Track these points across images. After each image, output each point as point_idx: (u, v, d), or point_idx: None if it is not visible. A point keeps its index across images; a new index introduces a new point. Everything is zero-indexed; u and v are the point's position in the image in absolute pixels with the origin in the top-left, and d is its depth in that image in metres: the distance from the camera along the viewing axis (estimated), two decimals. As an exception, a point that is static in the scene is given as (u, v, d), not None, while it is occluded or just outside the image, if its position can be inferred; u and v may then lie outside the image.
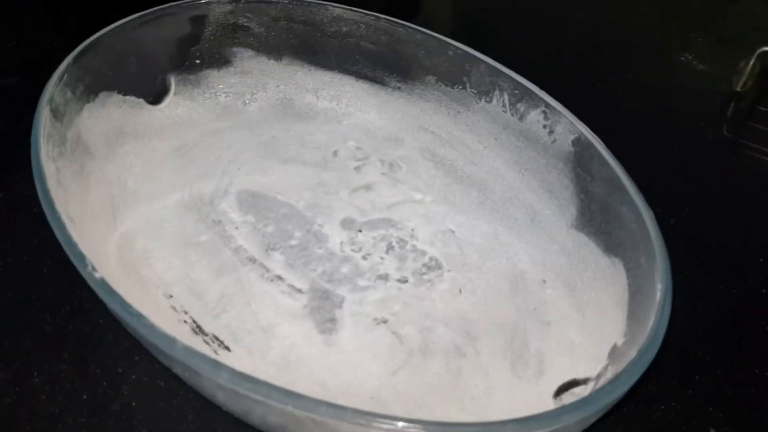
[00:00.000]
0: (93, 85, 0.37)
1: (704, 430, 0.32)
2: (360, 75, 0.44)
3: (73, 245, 0.28)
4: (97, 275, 0.27)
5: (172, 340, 0.25)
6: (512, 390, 0.31)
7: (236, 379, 0.25)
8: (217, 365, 0.25)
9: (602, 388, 0.26)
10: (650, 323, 0.28)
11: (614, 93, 0.54)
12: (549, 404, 0.31)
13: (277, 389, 0.24)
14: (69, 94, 0.35)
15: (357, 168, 0.41)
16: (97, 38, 0.37)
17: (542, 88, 0.38)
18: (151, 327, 0.26)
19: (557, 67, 0.56)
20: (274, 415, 0.26)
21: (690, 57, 0.58)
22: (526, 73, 0.39)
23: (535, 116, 0.38)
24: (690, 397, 0.33)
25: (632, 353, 0.28)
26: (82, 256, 0.27)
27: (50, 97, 0.34)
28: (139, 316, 0.26)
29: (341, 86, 0.44)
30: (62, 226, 0.28)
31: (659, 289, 0.29)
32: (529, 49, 0.58)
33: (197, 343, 0.31)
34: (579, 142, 0.36)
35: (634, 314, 0.30)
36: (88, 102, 0.37)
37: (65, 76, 0.35)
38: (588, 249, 0.35)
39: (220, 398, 0.28)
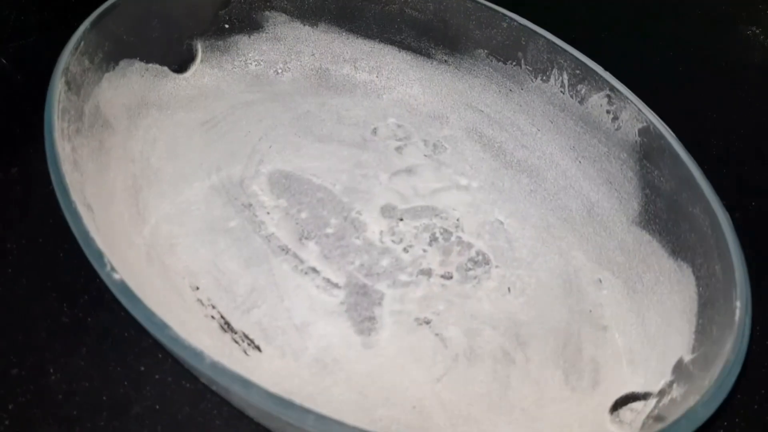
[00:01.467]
0: (113, 53, 0.34)
1: (771, 451, 0.30)
2: (403, 45, 0.41)
3: (90, 242, 0.25)
4: (117, 277, 0.24)
5: (199, 355, 0.23)
6: (565, 402, 0.29)
7: (268, 401, 0.22)
8: (248, 385, 0.22)
9: (675, 425, 0.23)
10: (727, 346, 0.25)
11: (674, 68, 0.50)
12: (605, 419, 0.28)
13: (314, 415, 0.22)
14: (86, 63, 0.32)
15: (398, 149, 0.38)
16: (118, 0, 0.34)
17: (602, 61, 0.35)
18: (177, 339, 0.23)
19: (616, 39, 0.52)
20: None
21: (757, 31, 0.54)
22: (587, 49, 0.36)
23: (597, 100, 0.35)
24: (757, 413, 0.31)
25: (703, 375, 0.25)
26: (100, 255, 0.25)
27: (65, 67, 0.31)
28: (164, 326, 0.23)
29: (382, 57, 0.41)
30: (78, 219, 0.26)
31: (738, 307, 0.26)
32: (590, 21, 0.54)
33: (226, 342, 0.29)
34: (647, 132, 0.32)
35: (704, 329, 0.28)
36: (107, 71, 0.34)
37: (82, 43, 0.32)
38: (650, 249, 0.32)
39: (251, 413, 0.26)
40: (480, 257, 0.34)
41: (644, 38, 0.53)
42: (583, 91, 0.35)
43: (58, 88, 0.30)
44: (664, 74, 0.49)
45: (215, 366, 0.23)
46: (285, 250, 0.33)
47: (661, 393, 0.27)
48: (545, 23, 0.37)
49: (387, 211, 0.35)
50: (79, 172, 0.29)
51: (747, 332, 0.25)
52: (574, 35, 0.37)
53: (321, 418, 0.22)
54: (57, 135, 0.29)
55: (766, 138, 0.45)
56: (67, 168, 0.28)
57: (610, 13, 0.56)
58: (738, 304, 0.26)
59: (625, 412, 0.28)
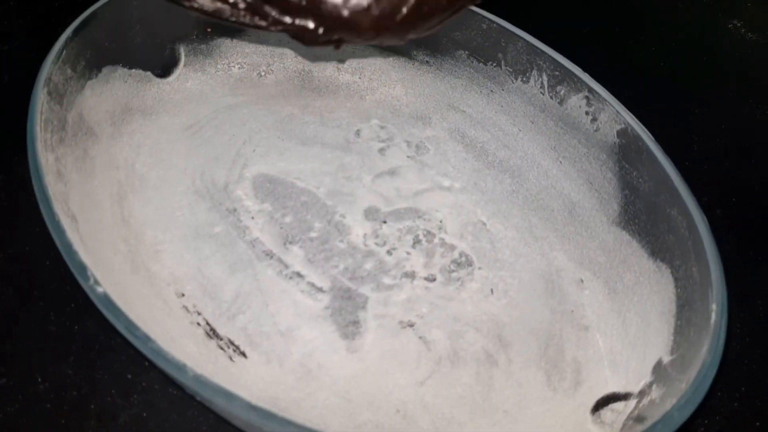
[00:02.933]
0: (95, 60, 0.34)
1: (750, 447, 0.30)
2: (385, 47, 0.41)
3: (74, 254, 0.25)
4: (100, 290, 0.25)
5: (182, 368, 0.23)
6: (547, 403, 0.29)
7: (251, 413, 0.23)
8: (231, 397, 0.23)
9: (653, 427, 0.23)
10: (704, 348, 0.26)
11: (653, 62, 0.50)
12: (586, 419, 0.29)
13: (295, 426, 0.22)
14: (69, 72, 0.33)
15: (381, 150, 0.38)
16: (99, 7, 0.34)
17: (581, 57, 0.35)
18: (159, 352, 0.24)
19: (596, 36, 0.52)
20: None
21: (739, 24, 0.54)
22: (567, 46, 0.36)
23: (576, 101, 0.35)
24: (736, 411, 0.31)
25: (681, 377, 0.26)
26: (83, 267, 0.25)
27: (47, 77, 0.31)
28: (146, 339, 0.24)
29: (364, 58, 0.41)
30: (62, 231, 0.26)
31: (714, 309, 0.26)
32: (569, 17, 0.53)
33: (212, 349, 0.29)
34: (625, 134, 0.33)
35: (682, 330, 0.28)
36: (90, 79, 0.34)
37: (63, 52, 0.32)
38: (630, 249, 0.32)
39: (237, 423, 0.26)
40: (463, 259, 0.34)
41: (626, 35, 0.53)
42: (562, 93, 0.35)
43: (40, 99, 0.30)
44: (644, 69, 0.49)
45: (198, 378, 0.23)
46: (269, 255, 0.33)
47: (641, 394, 0.28)
48: (524, 24, 0.37)
49: (370, 213, 0.35)
50: (62, 182, 0.30)
51: (723, 335, 0.26)
52: (553, 34, 0.37)
53: (303, 429, 0.22)
54: (40, 146, 0.29)
55: (747, 134, 0.45)
56: (50, 179, 0.28)
57: (590, 9, 0.56)
58: (714, 306, 0.26)
59: (606, 412, 0.29)
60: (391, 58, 0.41)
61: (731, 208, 0.39)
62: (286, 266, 0.33)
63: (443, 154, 0.38)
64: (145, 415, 0.29)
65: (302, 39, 0.26)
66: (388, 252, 0.34)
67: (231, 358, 0.29)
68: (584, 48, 0.37)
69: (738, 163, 0.42)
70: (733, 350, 0.33)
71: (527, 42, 0.36)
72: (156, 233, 0.33)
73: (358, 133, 0.39)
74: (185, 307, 0.30)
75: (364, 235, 0.34)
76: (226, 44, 0.40)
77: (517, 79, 0.37)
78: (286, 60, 0.41)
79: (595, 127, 0.34)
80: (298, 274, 0.32)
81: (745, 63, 0.51)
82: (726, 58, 0.51)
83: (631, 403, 0.28)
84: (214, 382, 0.23)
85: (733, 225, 0.38)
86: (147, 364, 0.30)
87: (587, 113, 0.34)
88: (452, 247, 0.35)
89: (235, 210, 0.35)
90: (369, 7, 0.24)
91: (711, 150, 0.43)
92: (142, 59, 0.37)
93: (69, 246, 0.26)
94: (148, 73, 0.37)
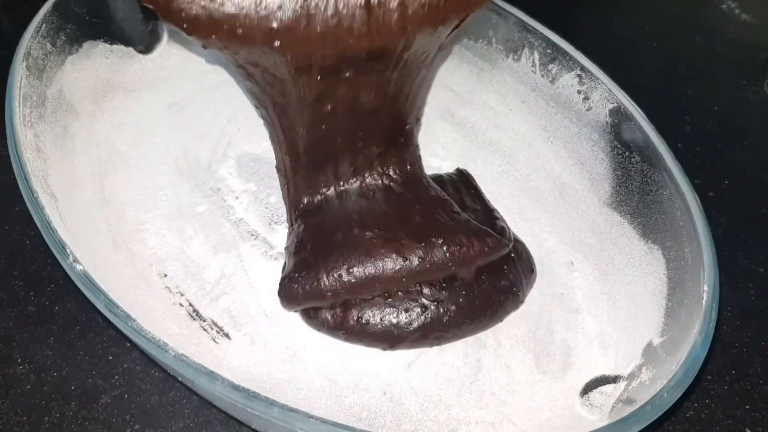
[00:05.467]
0: (76, 35, 0.33)
1: (739, 431, 0.30)
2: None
3: (53, 232, 0.25)
4: (79, 268, 0.24)
5: (163, 347, 0.23)
6: (536, 386, 0.29)
7: (235, 394, 0.22)
8: (213, 377, 0.22)
9: (642, 409, 0.23)
10: (695, 330, 0.25)
11: (648, 44, 0.49)
12: (575, 402, 0.28)
13: (280, 407, 0.22)
14: (48, 47, 0.32)
15: (369, 130, 0.38)
16: (80, -20, 0.33)
17: (574, 37, 0.35)
18: (140, 331, 0.23)
19: (589, 16, 0.51)
20: (278, 430, 0.23)
21: (733, 5, 0.53)
22: (559, 26, 0.35)
23: (568, 80, 0.34)
24: (725, 394, 0.31)
25: (671, 359, 0.26)
26: (62, 245, 0.24)
27: (26, 51, 0.30)
28: (127, 317, 0.23)
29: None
30: (40, 209, 0.25)
31: (705, 290, 0.26)
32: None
33: (194, 330, 0.29)
34: (618, 113, 0.32)
35: (673, 312, 0.28)
36: (70, 54, 0.33)
37: (43, 26, 0.31)
38: (622, 230, 0.32)
39: (220, 405, 0.26)
40: (452, 240, 0.34)
41: (619, 14, 0.53)
42: (554, 71, 0.35)
43: (19, 73, 0.29)
44: (637, 50, 0.49)
45: (179, 358, 0.23)
46: (254, 235, 0.32)
47: (631, 376, 0.28)
48: (516, 1, 0.36)
49: (358, 194, 0.35)
50: (42, 159, 0.29)
51: (714, 316, 0.25)
52: (545, 12, 0.36)
53: (286, 410, 0.22)
54: (18, 122, 0.28)
55: (741, 115, 0.45)
56: (29, 156, 0.27)
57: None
58: (705, 287, 0.26)
59: (596, 395, 0.28)
60: (379, 36, 0.40)
61: (724, 191, 0.39)
62: (272, 247, 0.32)
63: (432, 134, 0.38)
64: (126, 396, 0.28)
65: None
66: (376, 233, 0.33)
67: (214, 340, 0.28)
68: (576, 28, 0.37)
69: (731, 146, 0.42)
70: (723, 333, 0.33)
71: (519, 19, 0.35)
72: (138, 213, 0.32)
73: (345, 112, 0.39)
74: (167, 288, 0.30)
75: (351, 216, 0.34)
76: (211, 20, 0.39)
77: (508, 57, 0.37)
78: (273, 37, 0.40)
79: (587, 107, 0.34)
80: (284, 255, 0.32)
81: (739, 44, 0.50)
82: (719, 38, 0.50)
83: (621, 385, 0.28)
84: (196, 361, 0.22)
85: (725, 208, 0.38)
86: (128, 344, 0.30)
87: (579, 92, 0.34)
88: (441, 228, 0.34)
89: (219, 189, 0.34)
90: None
91: (704, 132, 0.43)
92: (124, 34, 0.36)
93: (48, 223, 0.25)
94: (130, 49, 0.37)
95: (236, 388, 0.22)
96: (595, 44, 0.36)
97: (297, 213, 0.31)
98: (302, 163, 0.30)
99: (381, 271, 0.29)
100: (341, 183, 0.31)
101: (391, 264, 0.29)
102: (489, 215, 0.33)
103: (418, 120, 0.32)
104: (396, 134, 0.31)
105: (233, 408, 0.24)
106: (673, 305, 0.28)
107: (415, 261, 0.29)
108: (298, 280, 0.29)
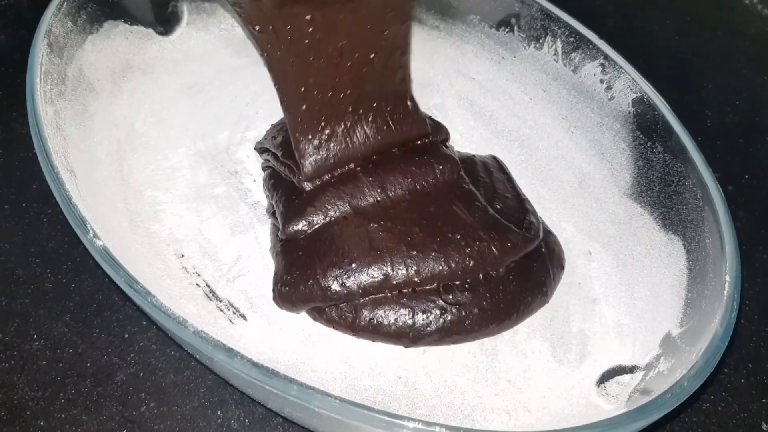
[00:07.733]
0: (97, 14, 0.33)
1: (755, 424, 0.30)
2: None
3: (73, 207, 0.25)
4: (99, 243, 0.24)
5: (183, 323, 0.23)
6: (552, 374, 0.29)
7: (253, 371, 0.22)
8: (232, 354, 0.22)
9: (662, 397, 0.23)
10: (716, 320, 0.25)
11: (670, 37, 0.49)
12: (591, 392, 0.28)
13: (299, 385, 0.21)
14: (69, 25, 0.32)
15: (388, 116, 0.38)
16: (102, -41, 0.33)
17: (597, 30, 0.34)
18: (160, 308, 0.23)
19: (613, 8, 0.51)
20: (295, 409, 0.23)
21: (755, 0, 0.53)
22: (582, 17, 0.35)
23: (591, 69, 0.34)
24: (743, 387, 0.31)
25: (691, 349, 0.25)
26: (82, 221, 0.24)
27: (48, 28, 0.30)
28: (147, 294, 0.23)
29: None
30: (61, 184, 0.25)
31: (728, 281, 0.26)
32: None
33: (211, 310, 0.29)
34: (641, 103, 0.32)
35: (693, 303, 0.28)
36: (91, 33, 0.33)
37: (65, 4, 0.31)
38: (642, 221, 0.32)
39: (235, 382, 0.26)
40: (469, 227, 0.33)
41: (641, 7, 0.52)
42: (576, 60, 0.34)
43: (40, 50, 0.29)
44: (660, 44, 0.48)
45: (199, 334, 0.23)
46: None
47: (649, 366, 0.27)
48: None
49: (375, 179, 0.35)
50: (62, 136, 0.29)
51: (736, 306, 0.25)
52: (568, 1, 0.36)
53: (305, 388, 0.21)
54: (39, 98, 0.28)
55: (762, 110, 0.44)
56: (49, 132, 0.27)
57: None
58: (728, 278, 0.26)
59: (612, 384, 0.28)
60: (400, 22, 0.39)
61: (744, 185, 0.39)
62: (289, 230, 0.32)
63: (451, 122, 0.37)
64: (142, 374, 0.28)
65: None
66: (394, 219, 0.33)
67: (231, 321, 0.28)
68: (598, 20, 0.36)
69: (752, 140, 0.42)
70: (741, 327, 0.33)
71: (542, 7, 0.35)
72: (156, 193, 0.32)
73: (364, 98, 0.38)
74: (185, 268, 0.30)
75: (369, 201, 0.34)
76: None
77: (530, 46, 0.36)
78: (293, 22, 0.40)
79: (609, 96, 0.33)
80: (301, 238, 0.32)
81: (761, 39, 0.50)
82: (741, 33, 0.50)
83: (638, 375, 0.27)
84: (216, 338, 0.22)
85: (744, 202, 0.37)
86: (144, 323, 0.30)
87: (602, 81, 0.34)
88: (459, 216, 0.34)
89: (236, 172, 0.34)
90: None
91: (725, 126, 0.42)
92: (145, 15, 0.36)
93: (68, 199, 0.25)
94: (150, 30, 0.37)
95: (255, 365, 0.22)
96: (616, 36, 0.36)
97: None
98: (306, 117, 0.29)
99: (390, 270, 0.27)
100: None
101: (400, 261, 0.27)
102: (520, 205, 0.31)
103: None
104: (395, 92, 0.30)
105: (251, 386, 0.24)
106: (693, 296, 0.28)
107: (429, 258, 0.27)
108: (291, 282, 0.28)
